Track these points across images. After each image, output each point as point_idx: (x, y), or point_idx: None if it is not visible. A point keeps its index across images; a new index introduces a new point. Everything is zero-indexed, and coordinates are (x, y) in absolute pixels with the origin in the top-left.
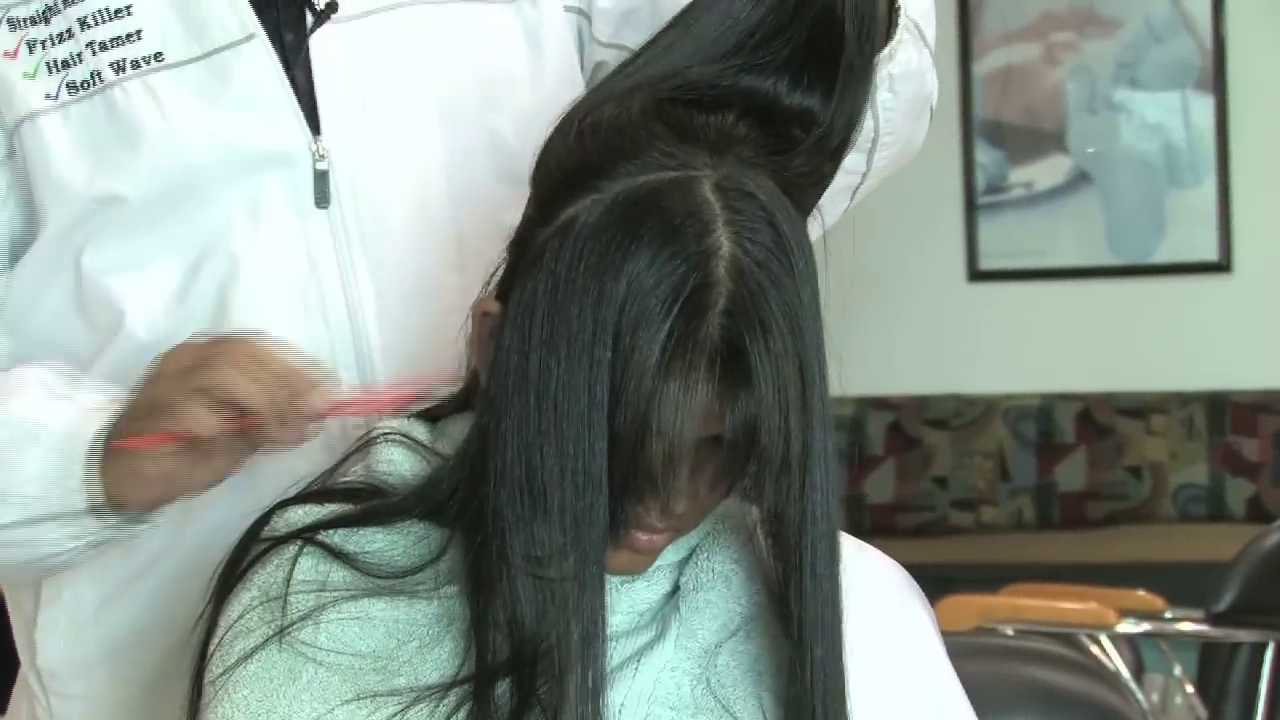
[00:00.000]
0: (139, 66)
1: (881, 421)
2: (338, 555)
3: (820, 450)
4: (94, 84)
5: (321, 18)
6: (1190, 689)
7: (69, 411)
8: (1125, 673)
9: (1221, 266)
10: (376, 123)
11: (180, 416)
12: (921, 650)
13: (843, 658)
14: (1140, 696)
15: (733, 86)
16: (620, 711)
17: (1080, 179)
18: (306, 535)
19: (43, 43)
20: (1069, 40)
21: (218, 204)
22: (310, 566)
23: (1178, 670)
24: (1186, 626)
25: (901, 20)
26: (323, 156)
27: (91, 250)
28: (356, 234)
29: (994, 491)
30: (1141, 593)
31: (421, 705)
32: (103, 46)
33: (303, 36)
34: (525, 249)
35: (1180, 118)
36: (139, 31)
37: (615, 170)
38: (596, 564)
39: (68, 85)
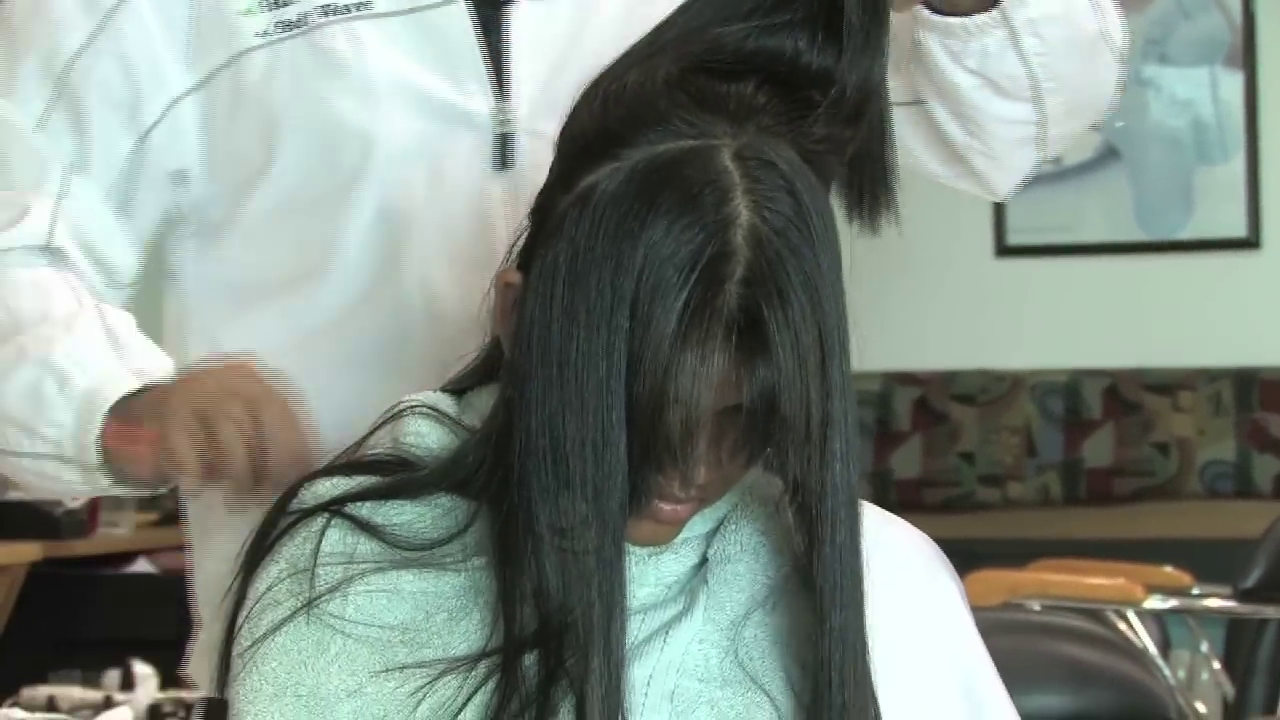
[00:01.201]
0: (346, 12)
1: (908, 397)
2: (365, 527)
3: (840, 420)
4: (303, 24)
5: None
6: (1217, 665)
7: (105, 367)
8: (1152, 649)
9: (1250, 243)
10: (561, 94)
11: (167, 436)
12: (950, 621)
13: (864, 628)
14: (1167, 672)
15: (756, 49)
16: (649, 683)
17: (1109, 155)
18: (334, 508)
19: None
20: None
21: (400, 157)
22: (338, 539)
23: (1204, 646)
24: (1213, 603)
25: None
26: (505, 120)
27: (269, 187)
28: (530, 197)
29: (1021, 467)
30: (1168, 569)
31: (450, 677)
32: None
33: (501, 7)
34: (546, 217)
35: (1209, 93)
36: None
37: (636, 139)
38: (617, 535)
39: (279, 24)
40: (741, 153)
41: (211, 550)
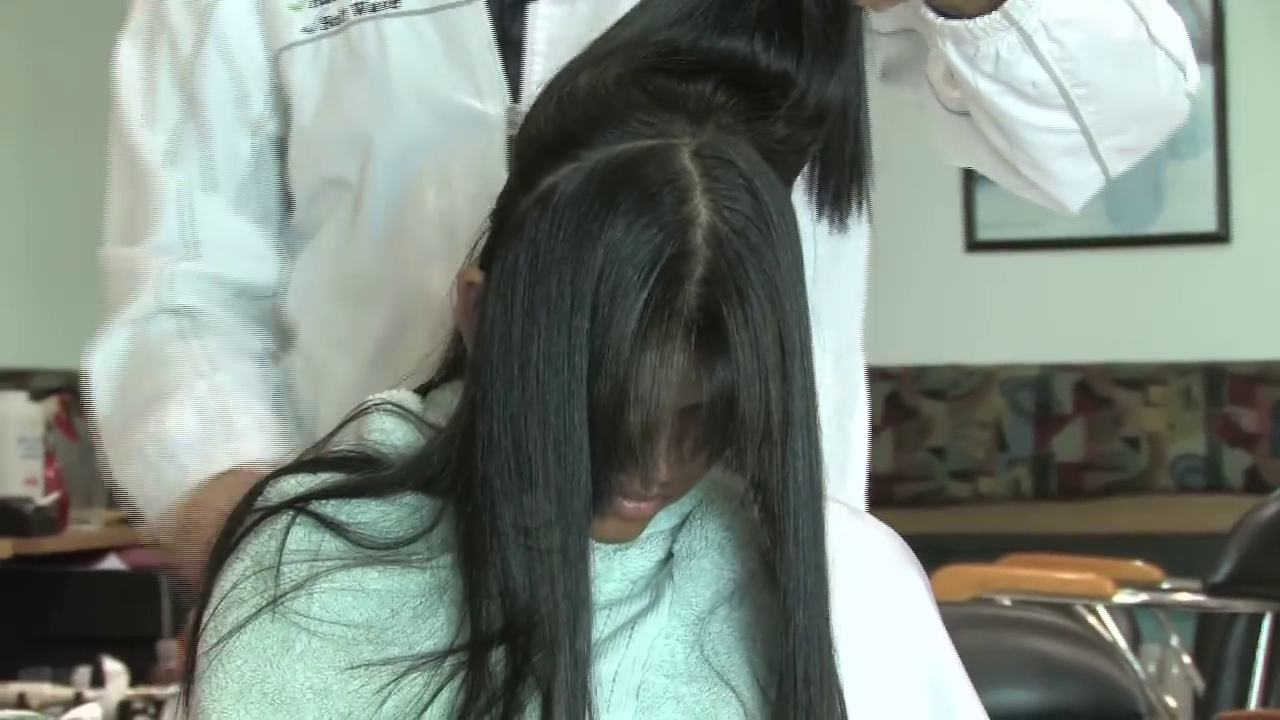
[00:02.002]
0: (375, 10)
1: (879, 392)
2: (330, 525)
3: (801, 419)
4: (341, 21)
5: None
6: (1187, 659)
7: (209, 450)
8: (1122, 643)
9: (1220, 237)
10: None
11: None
12: (917, 617)
13: (829, 625)
14: (1137, 667)
15: (710, 49)
16: (614, 679)
17: None
18: (298, 505)
19: None
20: None
21: (412, 155)
22: (303, 536)
23: (1175, 641)
24: (1184, 597)
25: None
26: (516, 123)
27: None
28: None
29: (991, 462)
30: (1139, 563)
31: (415, 674)
32: None
33: (522, 7)
34: (507, 217)
35: None
36: None
37: (594, 139)
38: (581, 534)
39: (322, 20)
40: (700, 151)
41: None
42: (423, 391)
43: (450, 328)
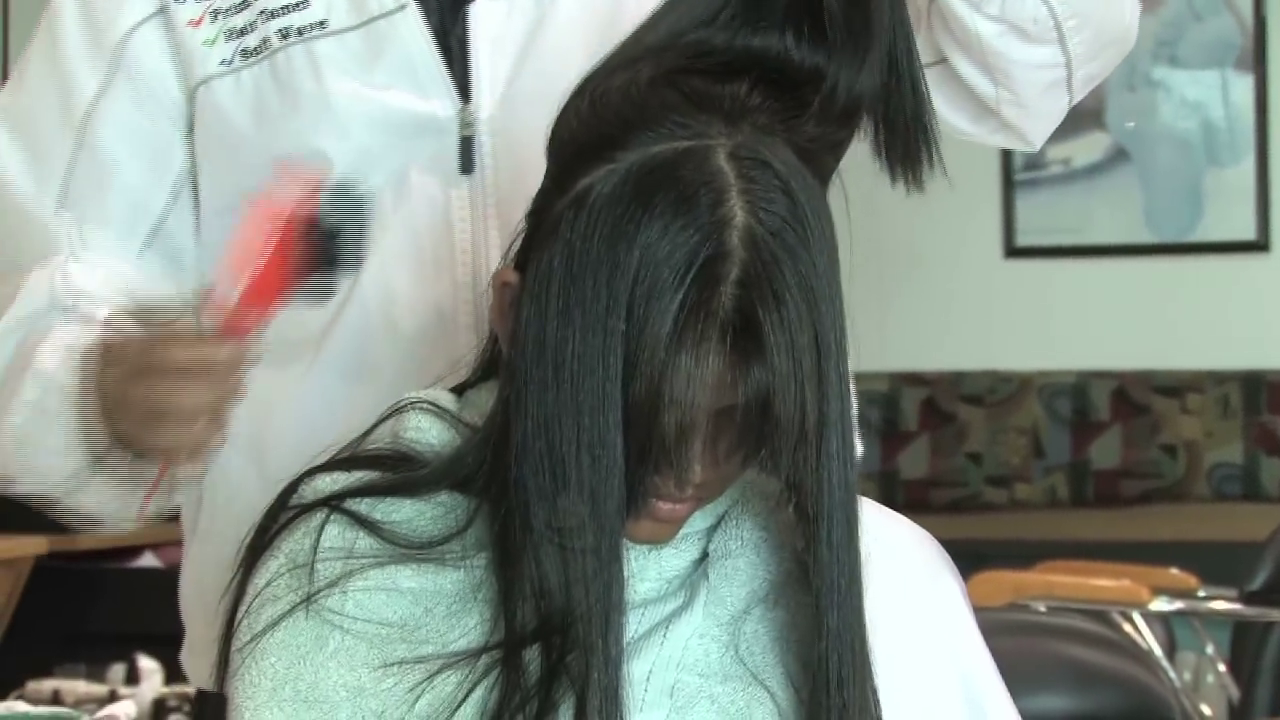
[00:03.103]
0: (302, 34)
1: (916, 397)
2: (364, 523)
3: (836, 421)
4: (263, 50)
5: None
6: (1223, 668)
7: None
8: (1158, 651)
9: (1259, 246)
10: (524, 93)
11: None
12: (952, 622)
13: (864, 627)
14: (1172, 675)
15: (744, 47)
16: (648, 679)
17: (1118, 156)
18: (333, 503)
19: (224, 12)
20: None
21: (364, 171)
22: (337, 534)
23: (1210, 649)
24: (1220, 605)
25: None
26: (469, 124)
27: (227, 210)
28: (494, 199)
29: (1028, 468)
30: (1175, 571)
31: (449, 673)
32: (273, 14)
33: (461, 8)
34: (542, 219)
35: (1220, 96)
36: (307, 1)
37: (630, 140)
38: (614, 535)
39: (241, 52)
40: (736, 153)
41: (193, 555)
42: (459, 390)
43: (486, 328)
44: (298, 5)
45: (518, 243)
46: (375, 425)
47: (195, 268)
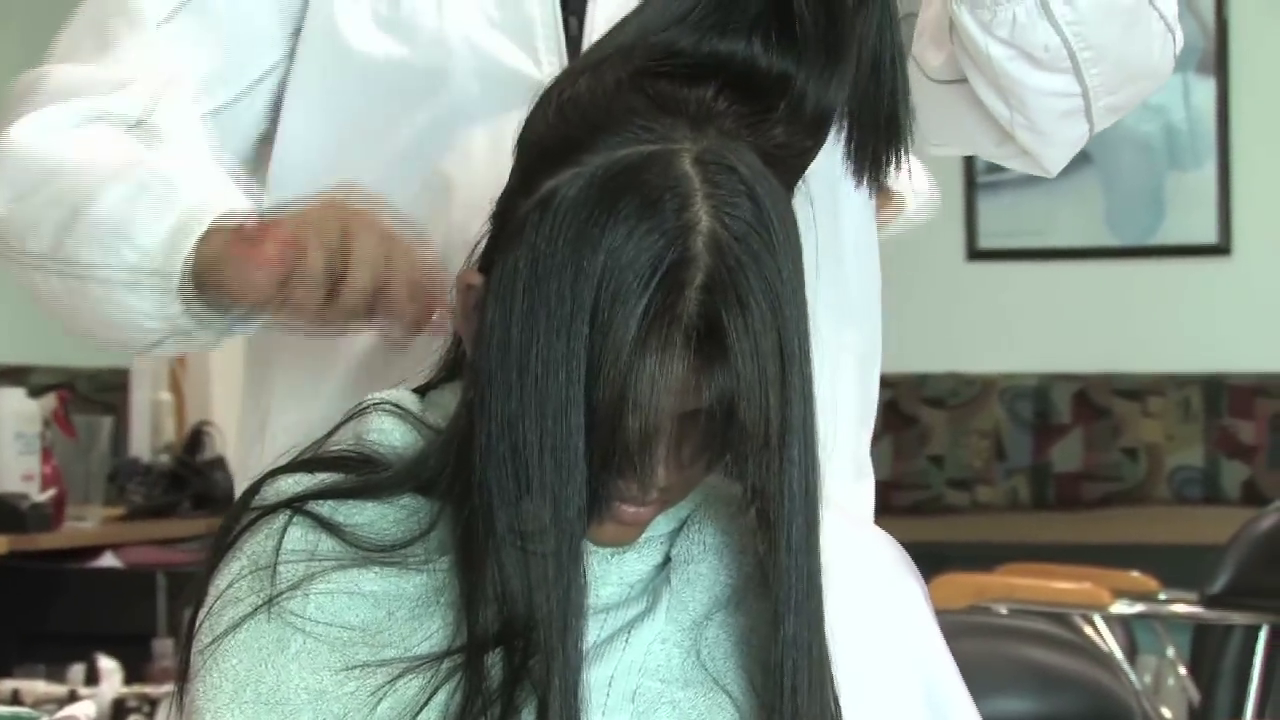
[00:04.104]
0: None
1: (879, 399)
2: (327, 526)
3: (799, 427)
4: None
5: None
6: (1183, 671)
7: (209, 185)
8: (1118, 653)
9: (1220, 249)
10: None
11: (304, 247)
12: (915, 625)
13: (822, 634)
14: (1133, 677)
15: (710, 51)
16: (610, 683)
17: (1080, 159)
18: (296, 505)
19: None
20: None
21: (462, 118)
22: (299, 536)
23: (1171, 652)
24: (1180, 608)
25: None
26: None
27: (328, 122)
28: None
29: (990, 471)
30: (1136, 574)
31: (411, 676)
32: None
33: None
34: (506, 221)
35: (1181, 99)
36: None
37: (595, 143)
38: (575, 539)
39: None
40: (702, 157)
41: (271, 435)
42: (422, 391)
43: (449, 329)
44: None
45: (481, 244)
46: (338, 426)
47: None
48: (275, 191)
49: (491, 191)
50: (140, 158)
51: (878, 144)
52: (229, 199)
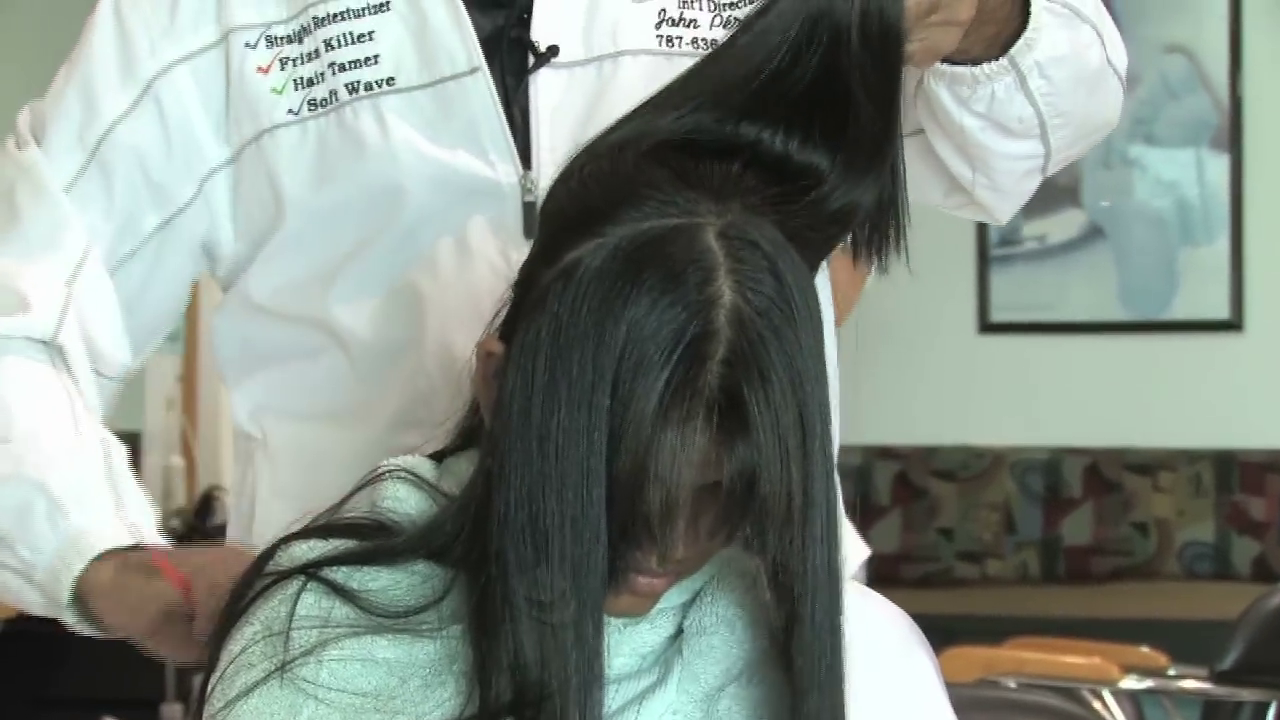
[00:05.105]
0: (371, 89)
1: (889, 471)
2: (341, 592)
3: (821, 501)
4: (331, 102)
5: (542, 60)
6: None
7: (101, 513)
8: None
9: (1233, 325)
10: None
11: (199, 588)
12: (925, 697)
13: (842, 708)
14: None
15: (735, 132)
16: None
17: (1093, 233)
18: (310, 571)
19: (294, 60)
20: None
21: (426, 228)
22: (313, 602)
23: None
24: (1190, 684)
25: (1039, 6)
26: (530, 189)
27: (297, 261)
28: None
29: (1000, 544)
30: (1145, 649)
31: None
32: (342, 68)
33: (523, 77)
34: (529, 290)
35: (1195, 175)
36: (376, 56)
37: (618, 215)
38: (595, 611)
39: (309, 102)
40: (726, 231)
41: (258, 534)
42: (438, 458)
43: (468, 395)
44: (367, 61)
45: (503, 312)
46: (352, 493)
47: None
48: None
49: (462, 296)
50: (36, 454)
51: (879, 225)
52: (113, 532)
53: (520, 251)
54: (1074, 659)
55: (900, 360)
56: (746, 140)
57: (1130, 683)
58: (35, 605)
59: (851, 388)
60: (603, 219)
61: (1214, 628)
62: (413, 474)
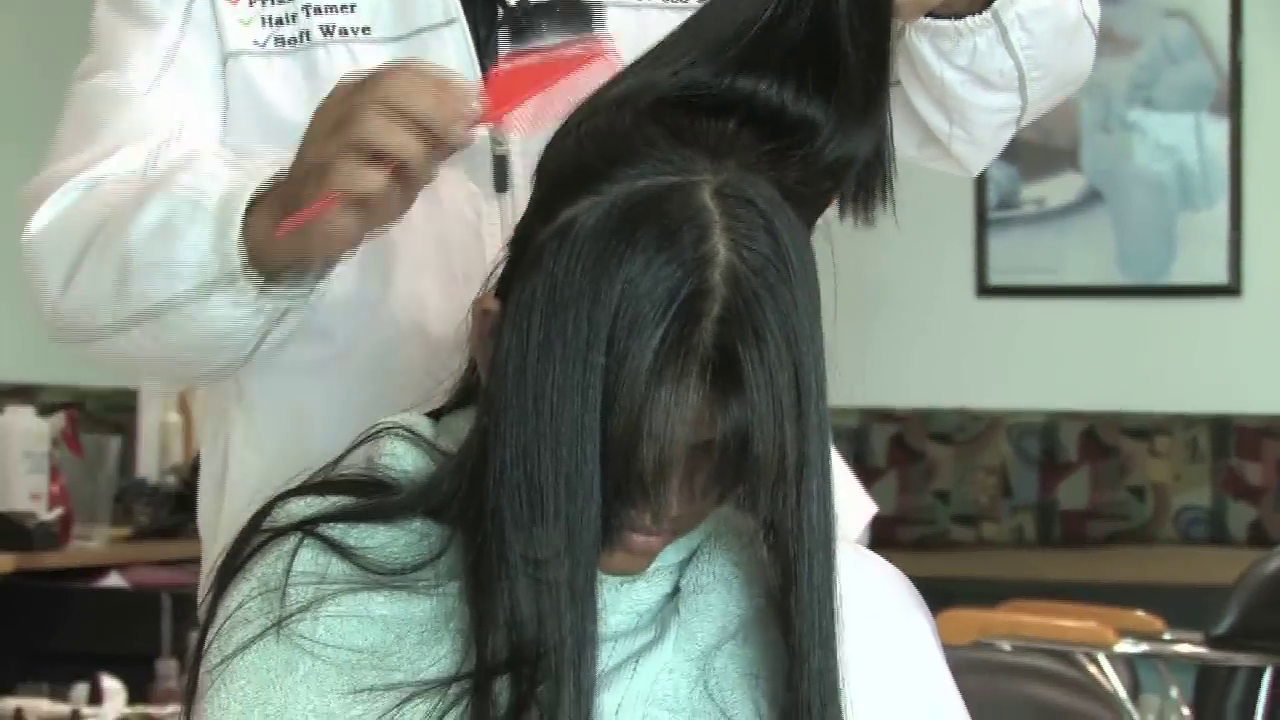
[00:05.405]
0: (346, 34)
1: (885, 434)
2: (337, 548)
3: (816, 460)
4: (301, 41)
5: (512, 13)
6: (1186, 711)
7: (232, 176)
8: (1122, 692)
9: (1231, 290)
10: (555, 114)
11: (339, 178)
12: (922, 658)
13: (839, 667)
14: (1136, 717)
15: (730, 87)
16: (618, 712)
17: (1092, 198)
18: (307, 527)
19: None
20: None
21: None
22: (310, 559)
23: (1174, 692)
24: (1184, 648)
25: None
26: (500, 143)
27: None
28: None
29: (996, 507)
30: (1140, 613)
31: (418, 701)
32: (317, 10)
33: (494, 30)
34: (525, 248)
35: (1194, 140)
36: (353, 5)
37: (614, 173)
38: (589, 568)
39: (276, 39)
40: (721, 190)
41: (232, 484)
42: (435, 416)
43: (465, 353)
44: (343, 8)
45: (499, 270)
46: (350, 449)
47: None
48: None
49: (431, 246)
50: (151, 184)
51: (869, 178)
52: (247, 180)
53: (490, 204)
54: (1069, 622)
55: (898, 322)
56: (743, 94)
57: (1125, 646)
58: (228, 313)
59: (848, 350)
60: (599, 177)
61: (1209, 592)
62: (410, 431)
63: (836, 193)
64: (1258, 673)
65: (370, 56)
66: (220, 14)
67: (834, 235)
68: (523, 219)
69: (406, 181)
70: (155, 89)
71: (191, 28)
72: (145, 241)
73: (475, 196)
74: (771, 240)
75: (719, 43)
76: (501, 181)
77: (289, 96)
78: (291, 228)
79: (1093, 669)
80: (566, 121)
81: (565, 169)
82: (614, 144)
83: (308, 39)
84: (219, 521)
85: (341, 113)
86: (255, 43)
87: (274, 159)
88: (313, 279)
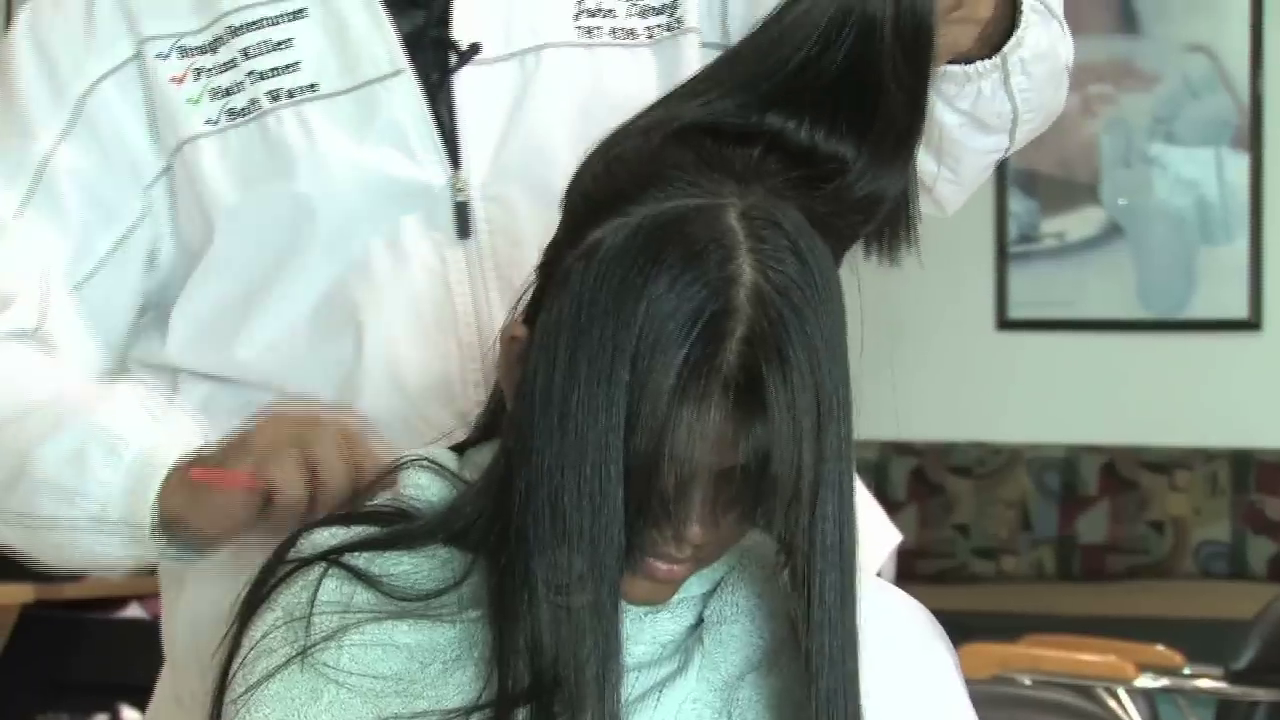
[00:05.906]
0: (293, 96)
1: (904, 466)
2: (362, 577)
3: (833, 482)
4: (251, 111)
5: (464, 58)
6: None
7: (154, 430)
8: None
9: (1251, 324)
10: (512, 160)
11: (273, 470)
12: (944, 690)
13: (856, 693)
14: None
15: (760, 121)
16: None
17: (1112, 231)
18: (331, 557)
19: (209, 71)
20: (1105, 93)
21: (357, 233)
22: (334, 588)
23: None
24: (1204, 683)
25: (1026, 4)
26: (461, 189)
27: (226, 277)
28: (491, 263)
29: (1015, 541)
30: (1160, 648)
31: None
32: (262, 76)
33: (447, 76)
34: (552, 271)
35: (1214, 174)
36: (297, 63)
37: (641, 196)
38: (613, 589)
39: (227, 112)
40: (748, 212)
41: (185, 598)
42: (460, 450)
43: (492, 384)
44: (287, 68)
45: (527, 295)
46: (374, 482)
47: (122, 326)
48: (196, 342)
49: (400, 302)
50: (70, 403)
51: (893, 218)
52: (178, 438)
53: (454, 251)
54: (1089, 657)
55: (918, 356)
56: (772, 129)
57: (1145, 681)
58: (115, 552)
59: (869, 382)
60: (626, 200)
61: (1229, 627)
62: (435, 463)
63: (867, 227)
64: (1278, 708)
65: (320, 117)
66: (166, 100)
67: (854, 269)
68: (551, 243)
69: (289, 511)
70: (23, 214)
71: (79, 133)
72: (52, 463)
73: (440, 244)
74: (797, 262)
75: (753, 77)
76: (464, 228)
77: (237, 174)
78: (207, 478)
79: (1113, 704)
80: (596, 149)
81: (593, 193)
82: (642, 168)
83: (257, 107)
84: (185, 569)
85: (301, 426)
86: (208, 121)
87: (193, 422)
88: (197, 550)
